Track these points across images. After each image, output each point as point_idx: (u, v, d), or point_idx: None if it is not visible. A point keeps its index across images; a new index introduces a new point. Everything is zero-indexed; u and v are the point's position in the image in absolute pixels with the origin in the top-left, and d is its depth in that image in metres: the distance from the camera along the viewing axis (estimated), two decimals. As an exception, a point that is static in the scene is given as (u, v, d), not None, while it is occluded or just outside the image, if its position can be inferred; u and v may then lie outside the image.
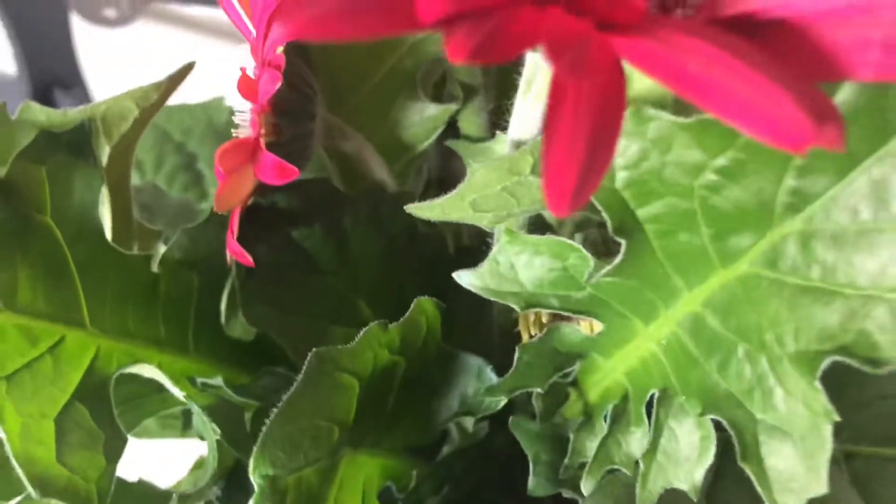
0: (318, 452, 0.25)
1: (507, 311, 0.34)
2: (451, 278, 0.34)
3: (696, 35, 0.17)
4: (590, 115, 0.16)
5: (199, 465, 0.43)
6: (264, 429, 0.23)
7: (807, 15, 0.18)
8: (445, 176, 0.42)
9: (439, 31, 0.15)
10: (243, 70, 0.28)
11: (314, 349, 0.25)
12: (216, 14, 1.04)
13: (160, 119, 0.53)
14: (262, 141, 0.28)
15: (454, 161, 0.41)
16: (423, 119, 0.35)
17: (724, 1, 0.19)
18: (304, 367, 0.25)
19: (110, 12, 1.08)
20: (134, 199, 0.36)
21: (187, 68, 0.33)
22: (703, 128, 0.21)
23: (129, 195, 0.34)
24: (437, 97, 0.37)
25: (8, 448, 0.26)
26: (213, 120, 0.52)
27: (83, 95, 1.00)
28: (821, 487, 0.24)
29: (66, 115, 0.30)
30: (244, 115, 0.30)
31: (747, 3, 0.19)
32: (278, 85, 0.27)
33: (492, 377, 0.32)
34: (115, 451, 0.28)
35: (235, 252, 0.30)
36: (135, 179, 0.52)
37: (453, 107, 0.35)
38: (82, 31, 1.01)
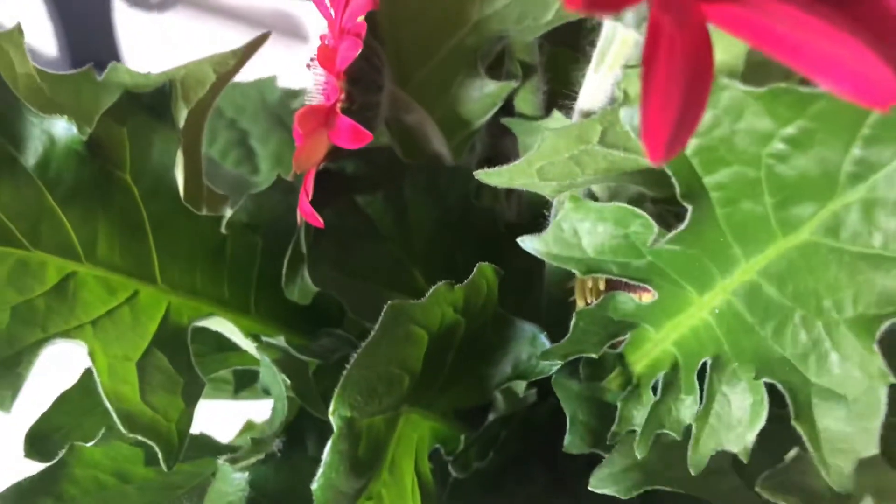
0: (391, 399, 0.26)
1: (560, 282, 0.36)
2: (501, 252, 0.35)
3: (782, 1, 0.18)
4: (683, 70, 0.17)
5: (249, 427, 0.45)
6: (344, 373, 0.25)
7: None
8: (494, 155, 0.44)
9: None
10: (322, 38, 0.30)
11: (389, 302, 0.26)
12: (256, 2, 1.05)
13: (212, 96, 0.55)
14: (339, 106, 0.30)
15: (503, 140, 0.43)
16: (482, 95, 0.36)
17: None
18: (381, 319, 0.26)
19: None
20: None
21: (262, 38, 0.34)
22: (775, 97, 0.22)
23: (201, 159, 0.35)
24: (495, 76, 0.38)
25: (99, 385, 0.27)
26: (265, 98, 0.53)
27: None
28: (871, 448, 0.25)
29: (149, 77, 0.31)
30: (318, 81, 0.31)
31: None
32: (359, 51, 0.28)
33: (545, 343, 0.33)
34: (193, 395, 0.29)
35: (307, 213, 0.31)
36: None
37: (512, 84, 0.36)
38: (123, 15, 1.03)
